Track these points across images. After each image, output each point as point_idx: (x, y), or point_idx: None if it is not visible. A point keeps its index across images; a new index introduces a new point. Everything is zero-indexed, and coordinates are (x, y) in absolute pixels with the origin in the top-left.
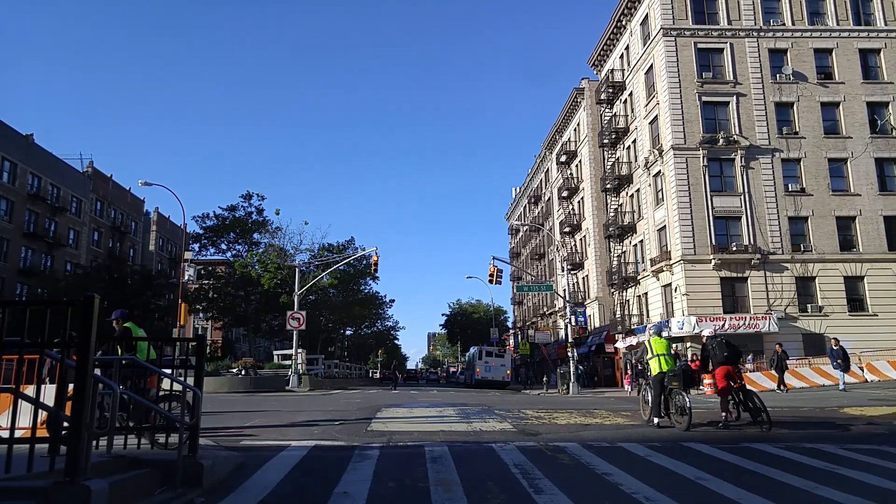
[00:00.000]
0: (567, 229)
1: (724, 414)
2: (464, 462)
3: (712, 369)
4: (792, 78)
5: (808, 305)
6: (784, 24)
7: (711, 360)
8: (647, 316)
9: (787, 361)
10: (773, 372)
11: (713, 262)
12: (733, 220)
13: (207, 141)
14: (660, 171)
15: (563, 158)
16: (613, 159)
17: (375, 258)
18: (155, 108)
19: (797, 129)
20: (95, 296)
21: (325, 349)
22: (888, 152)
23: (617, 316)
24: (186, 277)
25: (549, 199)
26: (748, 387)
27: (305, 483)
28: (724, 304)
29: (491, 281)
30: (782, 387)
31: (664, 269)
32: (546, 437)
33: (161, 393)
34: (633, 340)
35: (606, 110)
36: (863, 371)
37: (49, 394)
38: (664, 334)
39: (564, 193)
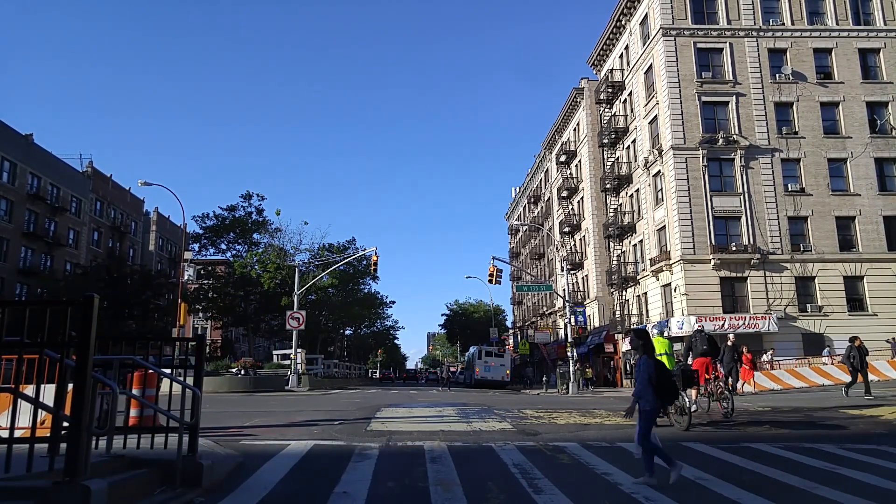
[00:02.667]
0: (567, 229)
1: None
2: (463, 462)
3: (692, 360)
4: (791, 78)
5: (808, 305)
6: (783, 24)
7: (692, 352)
8: (647, 316)
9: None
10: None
11: (713, 261)
12: (733, 219)
13: (207, 141)
14: (659, 171)
15: (563, 158)
16: (613, 159)
17: (375, 258)
18: (155, 107)
19: (797, 129)
20: (95, 296)
21: (325, 349)
22: (888, 152)
23: (616, 316)
24: (186, 277)
25: (548, 199)
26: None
27: (305, 483)
28: (723, 303)
29: (490, 281)
30: (868, 395)
31: (664, 268)
32: (546, 436)
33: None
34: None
35: (606, 110)
36: None
37: (49, 393)
38: (665, 334)
39: (564, 193)
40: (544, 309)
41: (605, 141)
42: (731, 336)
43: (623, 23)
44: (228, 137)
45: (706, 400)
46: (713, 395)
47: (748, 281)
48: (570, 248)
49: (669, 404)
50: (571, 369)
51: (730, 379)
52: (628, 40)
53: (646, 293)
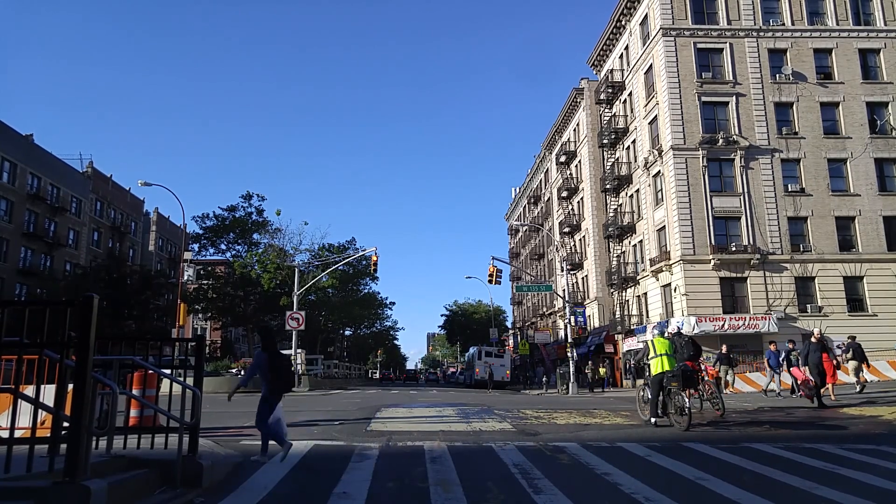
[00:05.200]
0: (567, 229)
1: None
2: (463, 462)
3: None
4: (791, 78)
5: (808, 305)
6: (784, 24)
7: (677, 356)
8: (647, 316)
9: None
10: None
11: (713, 262)
12: (733, 220)
13: (207, 141)
14: (659, 172)
15: (563, 159)
16: (613, 159)
17: (375, 258)
18: (155, 107)
19: (797, 130)
20: (94, 296)
21: (325, 349)
22: (888, 152)
23: (616, 316)
24: (186, 277)
25: (548, 199)
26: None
27: (305, 483)
28: (723, 304)
29: (490, 281)
30: None
31: (664, 269)
32: (545, 437)
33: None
34: (634, 340)
35: (606, 110)
36: (863, 371)
37: (49, 394)
38: (666, 334)
39: (564, 194)
40: (544, 309)
41: (605, 141)
42: (815, 331)
43: (623, 23)
44: (228, 137)
45: (697, 400)
46: (703, 396)
47: (748, 281)
48: (570, 248)
49: (287, 391)
50: (572, 369)
51: (817, 379)
52: (628, 40)
53: (646, 293)
